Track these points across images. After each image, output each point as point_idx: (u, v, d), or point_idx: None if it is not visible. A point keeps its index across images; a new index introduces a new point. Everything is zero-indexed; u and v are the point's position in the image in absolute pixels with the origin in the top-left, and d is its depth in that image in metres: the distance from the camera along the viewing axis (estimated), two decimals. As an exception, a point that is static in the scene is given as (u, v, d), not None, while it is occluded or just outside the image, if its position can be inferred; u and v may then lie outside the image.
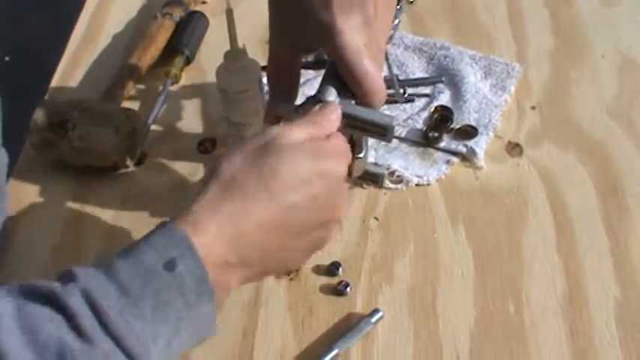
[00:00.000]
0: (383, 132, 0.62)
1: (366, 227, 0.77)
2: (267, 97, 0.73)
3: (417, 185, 0.81)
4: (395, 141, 0.84)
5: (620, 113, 0.87)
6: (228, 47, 0.76)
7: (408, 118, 0.87)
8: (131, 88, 0.92)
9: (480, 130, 0.84)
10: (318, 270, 0.74)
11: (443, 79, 0.91)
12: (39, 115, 0.82)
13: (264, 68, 0.73)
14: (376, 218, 0.78)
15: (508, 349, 0.67)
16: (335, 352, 0.67)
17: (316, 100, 0.62)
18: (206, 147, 0.86)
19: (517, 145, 0.84)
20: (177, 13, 0.99)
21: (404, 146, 0.85)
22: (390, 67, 0.80)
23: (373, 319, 0.69)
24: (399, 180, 0.81)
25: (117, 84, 0.91)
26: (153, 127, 0.88)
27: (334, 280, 0.73)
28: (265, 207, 0.54)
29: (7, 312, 0.46)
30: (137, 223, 0.79)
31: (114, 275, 0.50)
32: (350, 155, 0.61)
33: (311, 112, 0.60)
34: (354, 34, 0.61)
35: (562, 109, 0.88)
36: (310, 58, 0.85)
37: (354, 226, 0.77)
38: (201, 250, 0.51)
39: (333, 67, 0.63)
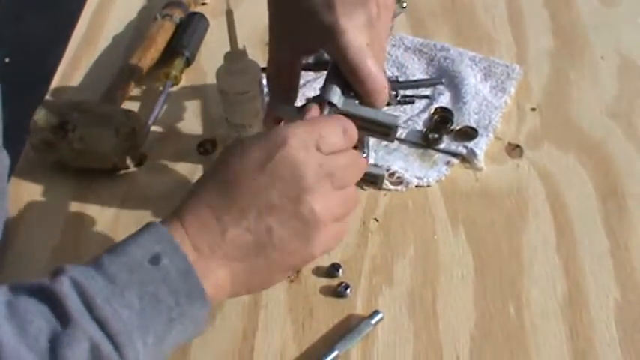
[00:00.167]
0: (387, 131, 0.62)
1: (366, 229, 0.77)
2: (267, 98, 0.73)
3: (417, 187, 0.81)
4: (395, 142, 0.84)
5: (619, 114, 0.87)
6: (228, 48, 0.76)
7: (408, 119, 0.87)
8: (131, 90, 0.92)
9: (480, 131, 0.84)
10: (318, 271, 0.74)
11: (443, 80, 0.91)
12: (39, 117, 0.82)
13: (264, 69, 0.73)
14: (376, 220, 0.78)
15: (508, 351, 0.67)
16: (335, 353, 0.67)
17: (320, 99, 0.62)
18: (206, 148, 0.86)
19: (517, 146, 0.84)
20: (177, 15, 0.99)
21: (404, 148, 0.85)
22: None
23: (373, 321, 0.69)
24: (399, 181, 0.81)
25: (117, 85, 0.91)
26: (153, 128, 0.88)
27: (334, 282, 0.73)
28: (216, 187, 0.55)
29: None
30: (137, 224, 0.77)
31: (101, 267, 0.51)
32: (360, 170, 0.61)
33: (315, 121, 0.59)
34: (357, 34, 0.61)
35: (562, 110, 0.88)
36: (310, 59, 0.85)
37: (354, 227, 0.77)
38: (183, 244, 0.52)
39: (335, 67, 0.63)
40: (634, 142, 0.84)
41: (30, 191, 0.83)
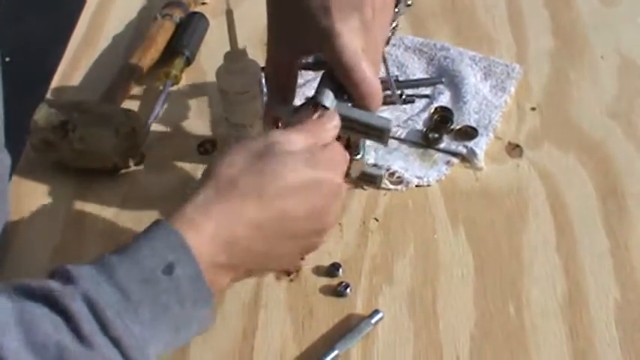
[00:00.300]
0: (380, 134, 0.63)
1: (366, 228, 0.77)
2: (266, 98, 0.73)
3: (417, 186, 0.81)
4: (395, 142, 0.84)
5: (619, 114, 0.87)
6: (228, 48, 0.76)
7: (408, 119, 0.87)
8: (131, 89, 0.92)
9: (480, 131, 0.84)
10: (318, 271, 0.74)
11: (443, 80, 0.91)
12: (39, 116, 0.82)
13: (264, 69, 0.73)
14: (376, 219, 0.78)
15: (508, 350, 0.67)
16: (335, 353, 0.67)
17: (313, 102, 0.62)
18: (206, 148, 0.86)
19: (517, 146, 0.84)
20: (177, 14, 0.99)
21: (404, 147, 0.85)
22: (387, 69, 0.80)
23: (373, 320, 0.69)
24: (399, 181, 0.81)
25: (117, 85, 0.91)
26: (153, 128, 0.88)
27: (334, 281, 0.73)
28: (258, 211, 0.54)
29: (6, 314, 0.46)
30: (137, 223, 0.78)
31: (113, 278, 0.50)
32: (346, 163, 0.62)
33: (309, 120, 0.60)
34: (352, 38, 0.61)
35: (562, 110, 0.88)
36: (310, 59, 0.85)
37: (354, 227, 0.77)
38: (194, 251, 0.52)
39: (330, 70, 0.63)
40: (634, 141, 0.84)
41: (30, 191, 0.83)
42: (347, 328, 0.69)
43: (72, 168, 0.84)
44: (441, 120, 0.86)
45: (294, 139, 0.58)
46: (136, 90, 0.93)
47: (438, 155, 0.84)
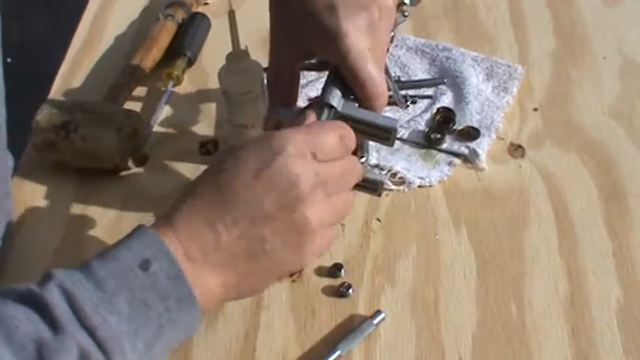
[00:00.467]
0: (386, 135, 0.62)
1: (368, 229, 0.77)
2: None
3: (419, 187, 0.81)
4: (397, 142, 0.84)
5: (621, 114, 0.87)
6: (230, 49, 0.76)
7: (411, 119, 0.87)
8: (133, 90, 0.92)
9: (482, 131, 0.84)
10: (321, 272, 0.74)
11: (445, 80, 0.91)
12: (41, 117, 0.82)
13: (266, 70, 0.73)
14: (378, 220, 0.78)
15: (510, 351, 0.67)
16: (337, 353, 0.67)
17: (319, 103, 0.62)
18: (208, 148, 0.86)
19: (519, 146, 0.84)
20: (180, 15, 0.99)
21: (406, 148, 0.85)
22: (388, 71, 0.80)
23: (375, 321, 0.69)
24: (401, 181, 0.81)
25: (119, 85, 0.91)
26: (155, 128, 0.89)
27: (336, 282, 0.73)
28: (212, 204, 0.54)
29: None
30: (139, 224, 0.78)
31: (90, 273, 0.50)
32: (356, 177, 0.61)
33: (312, 127, 0.59)
34: (358, 37, 0.61)
35: (564, 110, 0.88)
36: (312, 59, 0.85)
37: (356, 227, 0.77)
38: (172, 248, 0.52)
39: (336, 70, 0.63)
40: (636, 142, 0.83)
41: (32, 191, 0.83)
42: (349, 328, 0.69)
43: (73, 168, 0.84)
44: (443, 120, 0.86)
45: (296, 150, 0.56)
46: (138, 90, 0.93)
47: (440, 156, 0.84)
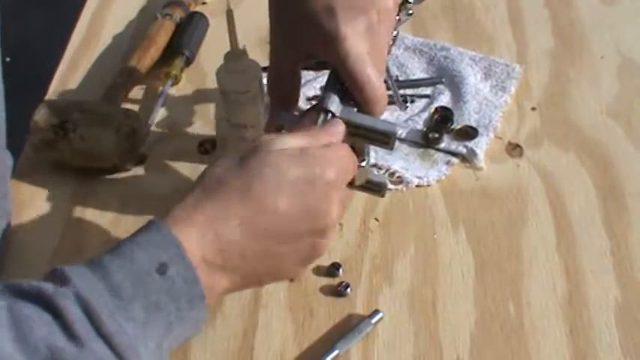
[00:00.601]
0: (386, 140, 0.62)
1: (366, 228, 0.77)
2: (267, 99, 0.72)
3: (417, 186, 0.81)
4: (395, 142, 0.84)
5: (619, 114, 0.87)
6: (228, 48, 0.76)
7: (409, 118, 0.87)
8: (131, 89, 0.92)
9: (480, 130, 0.84)
10: (319, 271, 0.74)
11: (443, 80, 0.91)
12: (39, 116, 0.82)
13: (264, 69, 0.73)
14: (376, 219, 0.78)
15: (508, 350, 0.67)
16: (335, 352, 0.67)
17: (319, 108, 0.62)
18: (206, 148, 0.87)
19: (517, 145, 0.84)
20: (178, 14, 0.99)
21: (404, 147, 0.85)
22: (389, 72, 0.80)
23: (373, 320, 0.69)
24: (400, 181, 0.81)
25: (117, 85, 0.91)
26: (153, 128, 0.89)
27: (334, 281, 0.73)
28: (246, 208, 0.53)
29: None
30: (137, 224, 0.76)
31: (106, 277, 0.49)
32: (353, 164, 0.60)
33: (312, 127, 0.60)
34: (357, 41, 0.61)
35: (562, 109, 0.88)
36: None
37: (354, 227, 0.77)
38: (186, 249, 0.51)
39: (335, 74, 0.63)
40: (634, 141, 0.84)
41: (30, 191, 0.83)
42: (347, 327, 0.69)
43: (72, 168, 0.84)
44: (441, 120, 0.86)
45: (286, 139, 0.56)
46: (136, 90, 0.93)
47: (438, 155, 0.84)
